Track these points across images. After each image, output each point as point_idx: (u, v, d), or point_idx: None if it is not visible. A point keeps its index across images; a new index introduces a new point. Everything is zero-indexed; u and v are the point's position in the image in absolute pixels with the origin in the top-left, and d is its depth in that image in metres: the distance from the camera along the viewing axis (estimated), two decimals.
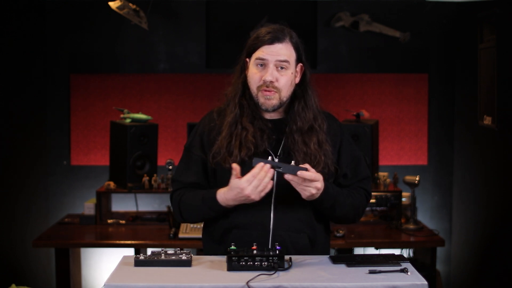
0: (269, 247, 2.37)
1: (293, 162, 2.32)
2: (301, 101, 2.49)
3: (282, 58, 2.39)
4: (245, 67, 2.47)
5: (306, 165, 2.29)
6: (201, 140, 2.48)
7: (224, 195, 2.35)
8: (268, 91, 2.40)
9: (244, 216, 2.40)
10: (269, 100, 2.41)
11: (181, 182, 2.49)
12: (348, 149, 2.56)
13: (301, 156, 2.41)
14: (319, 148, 2.44)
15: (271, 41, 2.39)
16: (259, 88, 2.41)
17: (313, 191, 2.30)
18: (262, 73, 2.40)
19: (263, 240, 2.38)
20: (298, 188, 2.31)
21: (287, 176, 2.28)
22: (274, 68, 2.39)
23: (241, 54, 2.51)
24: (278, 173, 2.34)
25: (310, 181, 2.28)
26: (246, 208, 2.36)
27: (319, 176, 2.30)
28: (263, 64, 2.40)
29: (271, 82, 2.38)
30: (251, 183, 2.28)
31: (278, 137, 2.46)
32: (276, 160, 2.42)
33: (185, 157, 2.52)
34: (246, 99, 2.46)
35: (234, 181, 2.30)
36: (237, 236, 2.40)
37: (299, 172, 2.26)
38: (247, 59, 2.46)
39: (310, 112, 2.49)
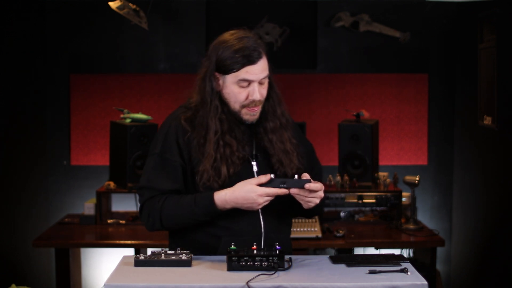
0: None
1: (296, 176, 2.32)
2: (270, 100, 2.47)
3: (265, 75, 2.37)
4: (215, 82, 2.39)
5: (307, 175, 2.32)
6: (179, 148, 2.39)
7: (225, 197, 2.31)
8: (255, 107, 2.38)
9: (235, 224, 2.40)
10: (254, 116, 2.40)
11: (156, 189, 2.38)
12: (304, 143, 2.60)
13: (280, 155, 2.43)
14: (291, 143, 2.47)
15: (255, 60, 2.33)
16: (244, 106, 2.37)
17: (317, 201, 2.33)
18: (246, 92, 2.35)
19: (256, 244, 2.37)
20: (303, 201, 2.32)
21: (293, 191, 2.29)
22: (258, 85, 2.36)
23: (203, 64, 2.41)
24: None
25: (315, 192, 2.30)
26: (236, 215, 2.37)
27: (321, 186, 2.33)
28: (246, 83, 2.35)
29: (259, 99, 2.37)
30: (266, 197, 2.30)
31: (254, 140, 2.46)
32: (254, 163, 2.43)
33: (159, 164, 2.40)
34: (225, 113, 2.40)
35: (252, 186, 2.29)
36: (228, 243, 2.36)
37: (307, 185, 2.27)
38: (217, 74, 2.38)
39: (278, 109, 2.49)
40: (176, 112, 2.48)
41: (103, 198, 4.23)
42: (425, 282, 2.13)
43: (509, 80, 3.94)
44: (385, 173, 4.36)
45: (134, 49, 4.89)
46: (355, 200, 4.25)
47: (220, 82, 2.39)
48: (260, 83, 2.37)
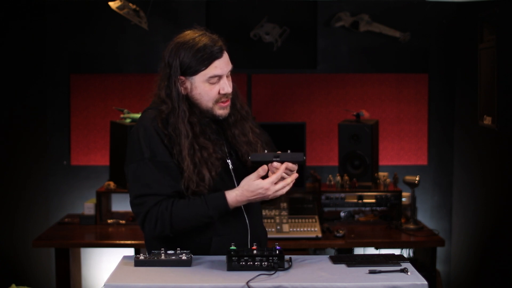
0: (249, 247, 2.41)
1: (289, 151, 2.37)
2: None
3: (230, 66, 2.42)
4: (181, 87, 2.39)
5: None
6: (167, 148, 2.36)
7: (236, 198, 2.34)
8: (227, 101, 2.42)
9: (223, 225, 2.42)
10: (226, 110, 2.44)
11: (160, 195, 2.33)
12: (264, 136, 2.64)
13: (244, 147, 2.47)
14: (253, 133, 2.52)
15: (219, 55, 2.37)
16: (216, 101, 2.40)
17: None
18: (217, 87, 2.38)
19: (243, 241, 2.42)
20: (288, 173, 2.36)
21: (287, 165, 2.34)
22: (227, 78, 2.41)
23: (163, 70, 2.42)
24: (237, 175, 2.42)
25: (291, 171, 2.37)
26: (223, 217, 2.39)
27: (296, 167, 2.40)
28: (217, 79, 2.38)
29: (230, 92, 2.41)
30: (276, 184, 2.32)
31: (223, 136, 2.50)
32: (229, 161, 2.46)
33: (154, 168, 2.34)
34: (196, 116, 2.41)
35: (257, 182, 2.31)
36: (219, 244, 2.40)
37: (283, 164, 2.33)
38: (183, 77, 2.38)
39: (237, 102, 2.52)
40: (146, 115, 2.42)
41: (103, 198, 4.24)
42: (425, 282, 2.13)
43: (509, 80, 3.94)
44: (385, 173, 4.36)
45: (134, 49, 4.89)
46: (355, 200, 4.26)
47: (187, 85, 2.40)
48: (227, 75, 2.42)
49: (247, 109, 2.56)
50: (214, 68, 2.36)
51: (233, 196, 2.34)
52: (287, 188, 2.34)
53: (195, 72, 2.37)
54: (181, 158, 2.34)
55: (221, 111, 2.42)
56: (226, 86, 2.39)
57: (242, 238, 2.43)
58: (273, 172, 2.34)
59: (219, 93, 2.39)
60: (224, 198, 2.34)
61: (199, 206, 2.33)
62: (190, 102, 2.41)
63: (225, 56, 2.40)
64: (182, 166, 2.34)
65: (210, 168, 2.36)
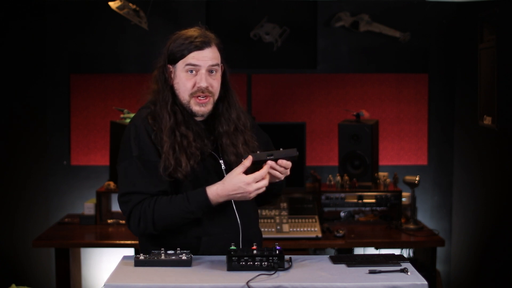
0: (240, 247, 2.40)
1: (281, 149, 2.36)
2: (225, 102, 2.50)
3: (213, 63, 2.40)
4: (168, 75, 2.43)
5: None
6: (155, 147, 2.38)
7: (217, 191, 2.33)
8: (203, 97, 2.39)
9: (213, 224, 2.41)
10: (204, 107, 2.41)
11: (144, 193, 2.36)
12: (261, 136, 2.62)
13: (232, 158, 2.44)
14: (246, 147, 2.48)
15: (202, 46, 2.38)
16: (192, 95, 2.39)
17: (283, 176, 2.38)
18: (194, 80, 2.38)
19: (235, 242, 2.39)
20: (274, 174, 2.35)
21: (281, 162, 2.34)
22: (206, 73, 2.38)
23: (158, 61, 2.48)
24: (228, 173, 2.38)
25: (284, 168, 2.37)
26: (213, 215, 2.38)
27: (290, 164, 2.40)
28: (194, 70, 2.38)
29: (206, 87, 2.38)
30: (258, 181, 2.30)
31: (214, 138, 2.48)
32: (222, 161, 2.45)
33: (140, 167, 2.37)
34: (178, 105, 2.42)
35: (239, 176, 2.30)
36: (209, 243, 2.40)
37: (280, 161, 2.34)
38: (170, 66, 2.43)
39: (233, 112, 2.50)
40: (139, 114, 2.48)
41: (103, 198, 4.24)
42: (425, 282, 2.13)
43: (509, 80, 3.94)
44: (385, 173, 4.36)
45: (134, 49, 4.88)
46: (355, 200, 4.26)
47: (172, 74, 2.43)
48: (210, 71, 2.40)
49: (244, 121, 2.52)
50: (192, 57, 2.38)
51: (214, 190, 2.33)
52: (263, 189, 2.33)
53: (177, 59, 2.40)
54: (162, 142, 2.36)
55: (197, 107, 2.40)
56: (202, 80, 2.37)
57: (233, 238, 2.40)
58: (269, 172, 2.35)
59: (194, 85, 2.38)
60: (204, 193, 2.33)
61: (181, 203, 2.33)
62: (173, 94, 2.44)
63: (209, 51, 2.39)
64: (162, 150, 2.35)
65: (189, 157, 2.36)
